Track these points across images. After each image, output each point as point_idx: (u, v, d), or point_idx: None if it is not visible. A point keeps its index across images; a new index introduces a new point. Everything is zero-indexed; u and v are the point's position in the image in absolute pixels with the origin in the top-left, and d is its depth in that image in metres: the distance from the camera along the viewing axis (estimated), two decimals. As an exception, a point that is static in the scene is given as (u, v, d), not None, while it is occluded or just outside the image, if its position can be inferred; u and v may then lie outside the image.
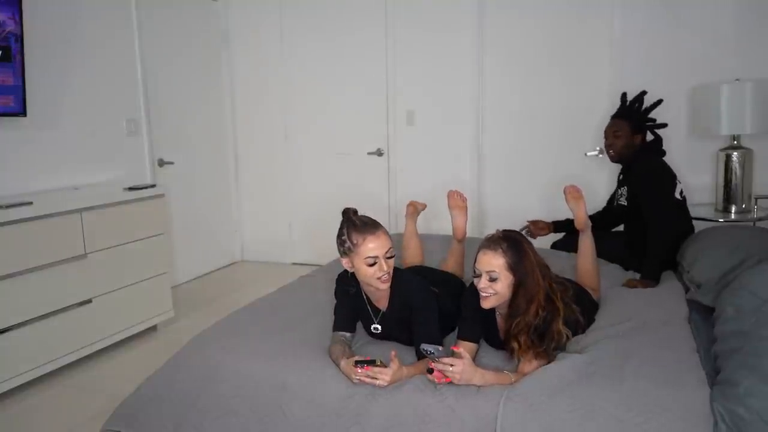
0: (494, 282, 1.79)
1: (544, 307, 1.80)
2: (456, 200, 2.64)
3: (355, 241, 1.85)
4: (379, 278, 1.85)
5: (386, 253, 1.85)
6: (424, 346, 1.74)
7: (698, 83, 3.50)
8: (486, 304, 1.83)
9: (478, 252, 1.84)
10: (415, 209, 2.82)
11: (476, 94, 4.17)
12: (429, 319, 1.92)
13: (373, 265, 1.84)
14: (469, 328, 1.93)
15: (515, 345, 1.80)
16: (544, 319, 1.80)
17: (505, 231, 1.87)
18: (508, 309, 1.85)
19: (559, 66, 3.95)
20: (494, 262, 1.78)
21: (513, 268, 1.78)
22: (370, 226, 1.87)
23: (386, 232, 1.89)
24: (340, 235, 1.91)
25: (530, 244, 1.87)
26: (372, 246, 1.83)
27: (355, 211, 1.95)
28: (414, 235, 2.76)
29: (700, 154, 3.65)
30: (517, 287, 1.80)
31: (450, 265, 2.62)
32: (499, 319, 1.92)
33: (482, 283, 1.81)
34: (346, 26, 4.43)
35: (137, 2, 3.82)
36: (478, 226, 4.27)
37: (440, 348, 1.75)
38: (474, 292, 1.87)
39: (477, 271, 1.83)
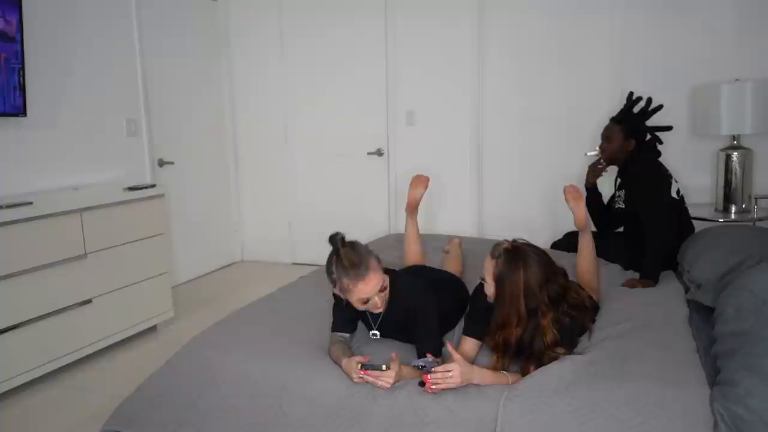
0: (485, 284, 1.84)
1: (518, 337, 1.78)
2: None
3: (346, 286, 1.84)
4: (372, 309, 1.90)
5: (378, 290, 1.84)
6: (416, 362, 1.75)
7: (698, 83, 3.50)
8: (488, 298, 1.87)
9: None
10: (416, 201, 2.78)
11: (476, 94, 4.17)
12: (429, 321, 1.92)
13: (366, 302, 1.86)
14: (475, 325, 1.93)
15: (490, 343, 1.84)
16: (528, 344, 1.79)
17: (519, 245, 1.82)
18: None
19: (559, 66, 3.95)
20: (487, 267, 1.82)
21: (497, 282, 1.79)
22: (360, 268, 1.81)
23: (376, 267, 1.85)
24: (329, 272, 1.88)
25: (535, 269, 1.76)
26: (364, 290, 1.82)
27: (342, 239, 1.89)
28: (415, 236, 2.75)
29: (700, 154, 3.65)
30: (496, 301, 1.82)
31: (450, 264, 2.62)
32: None
33: (480, 277, 1.87)
34: (346, 27, 4.43)
35: (137, 2, 3.82)
36: (477, 225, 4.28)
37: (431, 359, 1.76)
38: (483, 291, 1.88)
39: None
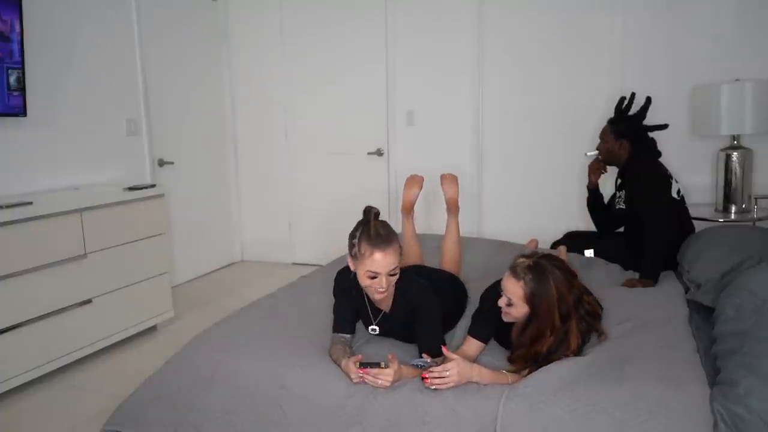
0: (511, 306, 1.80)
1: (550, 347, 1.77)
2: (446, 177, 2.76)
3: (363, 251, 1.82)
4: (375, 290, 1.85)
5: (390, 270, 1.82)
6: (414, 362, 1.76)
7: (698, 83, 3.50)
8: (504, 318, 1.85)
9: (508, 269, 1.82)
10: (410, 202, 2.78)
11: (476, 94, 4.17)
12: (433, 321, 1.92)
13: (373, 278, 1.83)
14: (481, 327, 1.93)
15: (513, 367, 1.82)
16: (552, 352, 1.78)
17: (539, 259, 1.80)
18: (519, 333, 1.84)
19: (559, 66, 3.95)
20: (514, 291, 1.77)
21: (530, 301, 1.76)
22: (383, 240, 1.81)
23: (397, 248, 1.84)
24: (351, 237, 1.88)
25: (560, 277, 1.76)
26: (378, 263, 1.80)
27: (377, 214, 1.90)
28: (413, 236, 2.75)
29: (700, 154, 3.65)
30: (530, 319, 1.79)
31: (448, 264, 2.62)
32: (516, 325, 1.91)
33: (501, 302, 1.82)
34: (346, 27, 4.43)
35: (137, 2, 3.82)
36: (477, 224, 4.28)
37: (429, 360, 1.78)
38: (496, 292, 1.87)
39: (501, 289, 1.83)
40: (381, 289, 1.84)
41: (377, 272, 1.81)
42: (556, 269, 1.77)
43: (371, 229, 1.83)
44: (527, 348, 1.79)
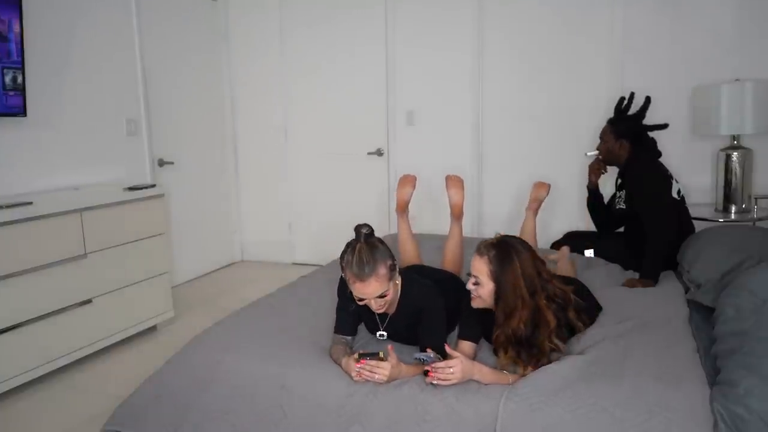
0: (478, 286, 1.83)
1: (526, 322, 1.78)
2: (453, 180, 2.74)
3: (347, 277, 1.84)
4: (370, 307, 1.88)
5: (376, 295, 1.82)
6: (416, 355, 1.77)
7: (698, 83, 3.50)
8: (473, 304, 1.88)
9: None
10: (404, 201, 2.77)
11: (476, 93, 4.17)
12: (437, 321, 1.93)
13: (361, 300, 1.86)
14: (470, 328, 1.94)
15: (499, 355, 1.83)
16: (531, 332, 1.79)
17: (503, 237, 1.86)
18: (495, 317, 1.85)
19: (559, 66, 3.95)
20: (479, 268, 1.82)
21: (495, 278, 1.80)
22: (362, 270, 1.78)
23: (381, 275, 1.80)
24: (340, 258, 1.87)
25: (526, 254, 1.81)
26: (360, 291, 1.82)
27: (367, 234, 1.85)
28: (409, 236, 2.75)
29: (700, 154, 3.65)
30: (497, 297, 1.81)
31: (449, 264, 2.62)
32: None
33: (469, 284, 1.86)
34: (346, 27, 4.43)
35: (137, 2, 3.82)
36: (477, 225, 4.28)
37: (431, 355, 1.78)
38: None
39: (469, 271, 1.87)
40: (376, 310, 1.89)
41: (362, 297, 1.84)
42: (520, 246, 1.83)
43: (355, 255, 1.80)
44: (503, 326, 1.80)
